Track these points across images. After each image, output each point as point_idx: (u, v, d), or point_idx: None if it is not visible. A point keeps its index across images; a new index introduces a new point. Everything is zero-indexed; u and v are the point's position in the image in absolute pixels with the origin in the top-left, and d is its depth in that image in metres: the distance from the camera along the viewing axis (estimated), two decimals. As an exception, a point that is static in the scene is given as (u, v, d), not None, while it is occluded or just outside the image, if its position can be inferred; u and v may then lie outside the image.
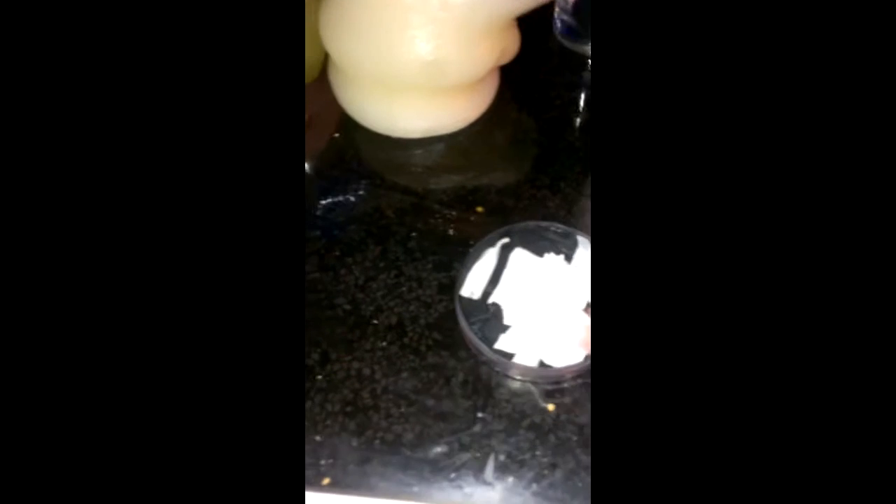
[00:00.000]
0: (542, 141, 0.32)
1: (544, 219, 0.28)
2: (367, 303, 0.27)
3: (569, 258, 0.26)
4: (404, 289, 0.27)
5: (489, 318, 0.25)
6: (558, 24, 0.34)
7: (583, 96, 0.34)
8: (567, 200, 0.30)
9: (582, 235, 0.26)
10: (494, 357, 0.24)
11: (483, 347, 0.24)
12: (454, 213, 0.30)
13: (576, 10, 0.34)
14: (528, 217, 0.29)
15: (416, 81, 0.28)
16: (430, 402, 0.25)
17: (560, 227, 0.27)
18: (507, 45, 0.29)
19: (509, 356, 0.24)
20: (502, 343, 0.25)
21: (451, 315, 0.26)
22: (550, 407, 0.25)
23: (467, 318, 0.25)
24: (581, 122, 0.33)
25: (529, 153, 0.32)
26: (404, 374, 0.25)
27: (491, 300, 0.25)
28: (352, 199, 0.30)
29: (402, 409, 0.24)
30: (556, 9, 0.34)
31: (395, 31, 0.27)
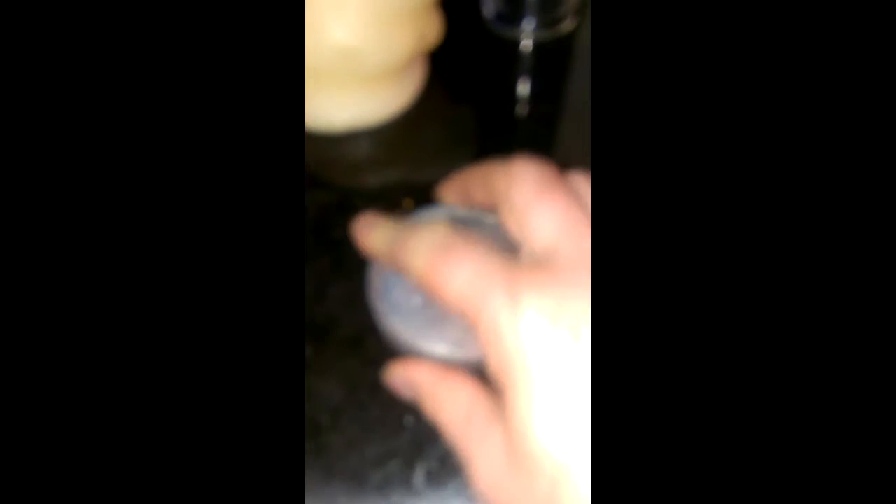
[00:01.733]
0: (477, 133, 0.31)
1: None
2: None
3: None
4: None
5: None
6: (490, 9, 0.33)
7: (519, 85, 0.33)
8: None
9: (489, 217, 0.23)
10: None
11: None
12: (382, 208, 0.28)
13: (505, -6, 0.33)
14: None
15: (333, 70, 0.27)
16: (358, 412, 0.23)
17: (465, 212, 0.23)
18: (428, 30, 0.28)
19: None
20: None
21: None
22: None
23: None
24: (520, 113, 0.32)
25: (464, 146, 0.31)
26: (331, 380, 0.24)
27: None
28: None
29: (326, 419, 0.23)
30: (485, -7, 0.33)
31: (306, 17, 0.25)
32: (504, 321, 0.16)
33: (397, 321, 0.21)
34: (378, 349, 0.25)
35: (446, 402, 0.18)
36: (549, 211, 0.17)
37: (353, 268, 0.26)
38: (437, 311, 0.21)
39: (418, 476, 0.22)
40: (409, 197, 0.29)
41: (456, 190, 0.22)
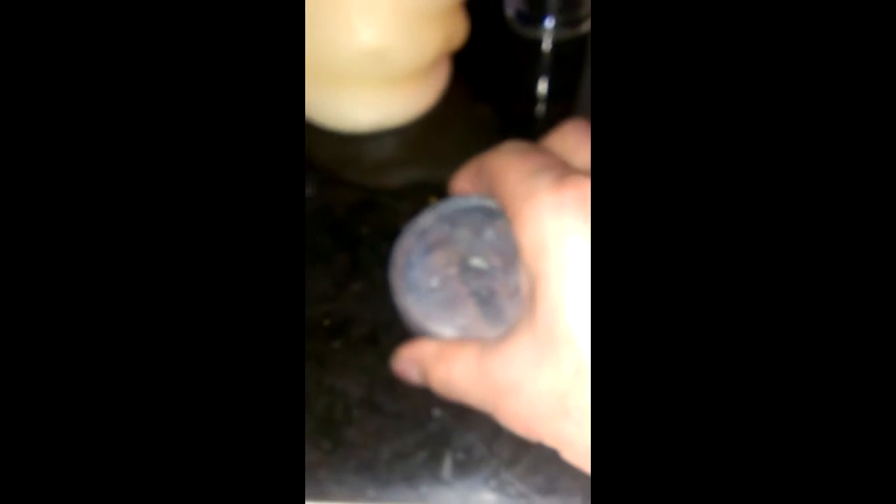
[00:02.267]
0: (499, 130, 0.32)
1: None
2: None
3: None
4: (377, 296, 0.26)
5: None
6: (510, 10, 0.34)
7: (539, 84, 0.33)
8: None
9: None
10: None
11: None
12: (408, 207, 0.29)
13: (526, -5, 0.33)
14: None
15: (360, 71, 0.27)
16: (386, 403, 0.24)
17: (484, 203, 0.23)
18: (454, 31, 0.29)
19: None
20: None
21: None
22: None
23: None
24: (541, 112, 0.32)
25: (486, 144, 0.31)
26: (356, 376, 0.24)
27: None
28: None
29: (356, 416, 0.24)
30: (507, -6, 0.33)
31: (334, 19, 0.26)
32: (548, 209, 0.17)
33: (411, 299, 0.22)
34: (395, 344, 0.25)
35: (456, 360, 0.19)
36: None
37: (371, 265, 0.27)
38: (450, 294, 0.22)
39: (446, 466, 0.23)
40: (433, 195, 0.29)
41: (466, 181, 0.23)
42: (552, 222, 0.17)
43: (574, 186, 0.17)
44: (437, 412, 0.23)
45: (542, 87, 0.33)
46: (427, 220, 0.23)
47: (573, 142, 0.21)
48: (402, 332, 0.25)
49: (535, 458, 0.23)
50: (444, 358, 0.20)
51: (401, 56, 0.27)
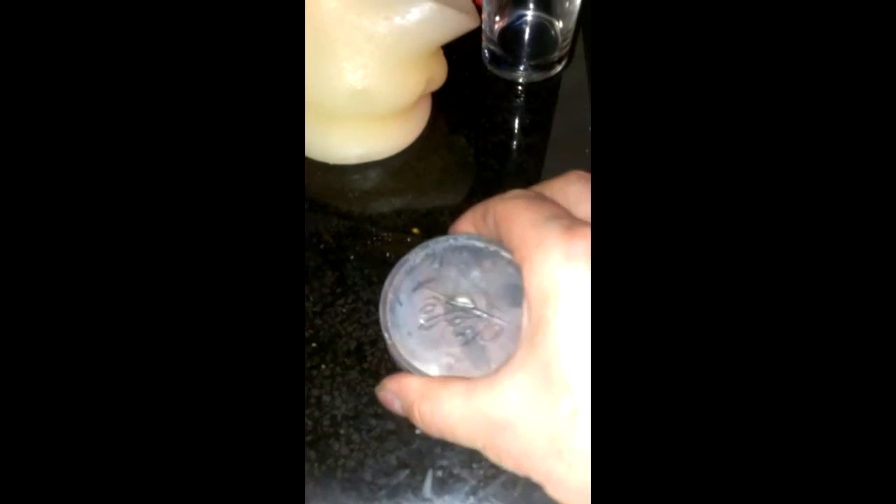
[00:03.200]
0: (478, 164, 0.34)
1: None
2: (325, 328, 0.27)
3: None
4: (362, 313, 0.28)
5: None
6: (486, 54, 0.36)
7: (516, 121, 0.36)
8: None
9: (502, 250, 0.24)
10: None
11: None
12: (390, 235, 0.31)
13: (501, 40, 0.35)
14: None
15: (348, 110, 0.29)
16: (371, 418, 0.25)
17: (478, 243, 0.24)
18: (434, 74, 0.31)
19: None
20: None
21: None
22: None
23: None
24: (517, 145, 0.35)
25: (465, 175, 0.33)
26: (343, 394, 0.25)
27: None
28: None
29: (342, 431, 0.25)
30: (483, 39, 0.36)
31: (324, 63, 0.28)
32: (557, 257, 0.17)
33: (398, 336, 0.22)
34: (381, 361, 0.27)
35: (442, 398, 0.19)
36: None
37: (356, 286, 0.28)
38: (436, 333, 0.22)
39: (427, 484, 0.24)
40: (415, 224, 0.31)
41: (468, 224, 0.24)
42: (561, 271, 0.17)
43: (583, 237, 0.17)
44: (419, 430, 0.25)
45: (515, 123, 0.35)
46: (416, 257, 0.24)
47: (576, 192, 0.21)
48: (386, 347, 0.26)
49: (512, 475, 0.24)
50: (430, 396, 0.20)
51: (385, 96, 0.29)
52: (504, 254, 0.23)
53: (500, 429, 0.18)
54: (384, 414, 0.25)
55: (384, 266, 0.29)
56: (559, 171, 0.36)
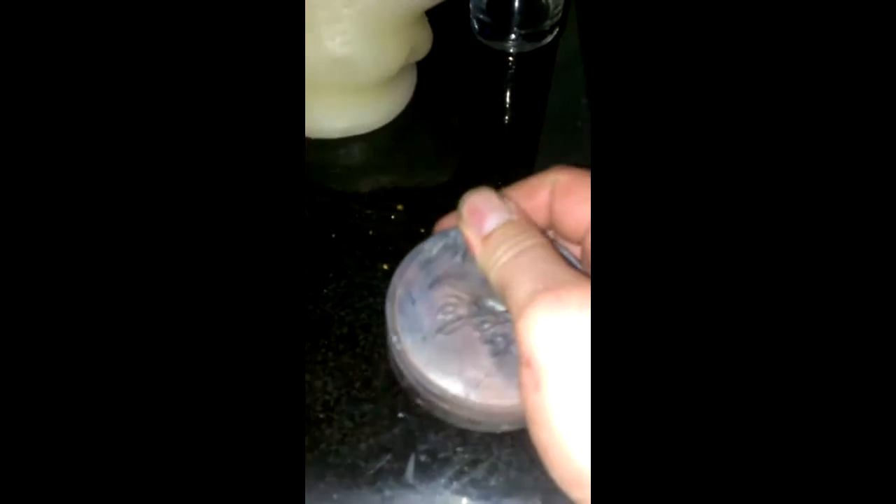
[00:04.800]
0: (466, 140, 0.32)
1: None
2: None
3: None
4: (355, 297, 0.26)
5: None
6: (474, 23, 0.35)
7: (507, 94, 0.34)
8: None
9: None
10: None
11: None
12: (374, 212, 0.29)
13: (490, 8, 0.34)
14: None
15: (328, 79, 0.28)
16: (352, 407, 0.24)
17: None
18: (418, 42, 0.29)
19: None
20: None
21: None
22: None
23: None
24: (508, 120, 0.33)
25: (452, 152, 0.32)
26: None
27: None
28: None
29: (334, 416, 0.24)
30: (471, 7, 0.34)
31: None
32: (549, 315, 0.15)
33: (410, 342, 0.18)
34: (370, 346, 0.26)
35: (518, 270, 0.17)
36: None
37: (346, 268, 0.27)
38: (460, 339, 0.18)
39: (410, 469, 0.23)
40: (399, 201, 0.30)
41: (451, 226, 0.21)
42: (554, 332, 0.15)
43: (580, 292, 0.15)
44: (401, 415, 0.24)
45: (507, 97, 0.34)
46: (433, 247, 0.20)
47: (567, 203, 0.19)
48: (380, 333, 0.25)
49: (496, 459, 0.23)
50: (505, 252, 0.17)
51: (366, 65, 0.27)
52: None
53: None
54: (378, 399, 0.24)
55: (375, 247, 0.28)
56: (554, 148, 0.35)
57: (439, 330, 0.18)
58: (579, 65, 0.34)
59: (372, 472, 0.23)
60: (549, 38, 0.35)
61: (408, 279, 0.19)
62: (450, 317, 0.18)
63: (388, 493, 0.22)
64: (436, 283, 0.19)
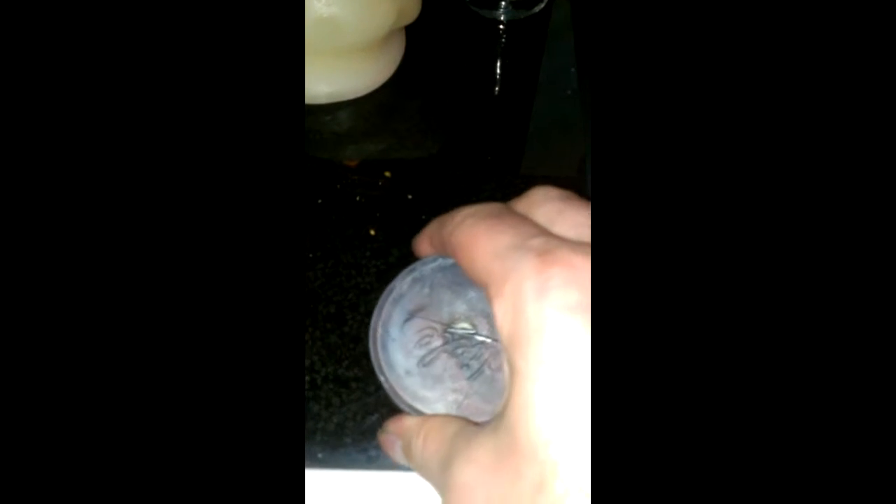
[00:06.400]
0: (455, 109, 0.32)
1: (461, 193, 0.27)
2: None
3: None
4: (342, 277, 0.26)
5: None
6: (466, -10, 0.34)
7: (497, 63, 0.34)
8: (495, 176, 0.29)
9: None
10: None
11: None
12: (361, 178, 0.29)
13: (482, -26, 0.33)
14: (437, 183, 0.28)
15: (313, 41, 0.27)
16: (353, 385, 0.24)
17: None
18: (406, 5, 0.29)
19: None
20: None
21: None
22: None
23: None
24: (499, 90, 0.33)
25: (441, 121, 0.32)
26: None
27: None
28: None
29: (322, 395, 0.24)
30: (463, -27, 0.34)
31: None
32: (529, 294, 0.14)
33: (394, 378, 0.20)
34: (358, 325, 0.26)
35: (431, 438, 0.17)
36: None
37: (334, 245, 0.27)
38: (438, 369, 0.19)
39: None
40: (387, 169, 0.29)
41: (427, 245, 0.20)
42: (532, 311, 0.14)
43: (562, 264, 0.14)
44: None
45: (497, 65, 0.34)
46: (402, 283, 0.21)
47: (552, 209, 0.17)
48: (367, 312, 0.24)
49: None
50: (422, 433, 0.17)
51: (352, 26, 0.27)
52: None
53: (459, 492, 0.15)
54: (365, 378, 0.24)
55: (363, 221, 0.28)
56: (545, 117, 0.35)
57: (419, 362, 0.20)
58: (570, 34, 0.34)
59: (358, 432, 0.23)
60: (541, 6, 0.34)
61: (384, 318, 0.21)
62: (425, 350, 0.20)
63: (373, 452, 0.22)
64: (410, 317, 0.21)
